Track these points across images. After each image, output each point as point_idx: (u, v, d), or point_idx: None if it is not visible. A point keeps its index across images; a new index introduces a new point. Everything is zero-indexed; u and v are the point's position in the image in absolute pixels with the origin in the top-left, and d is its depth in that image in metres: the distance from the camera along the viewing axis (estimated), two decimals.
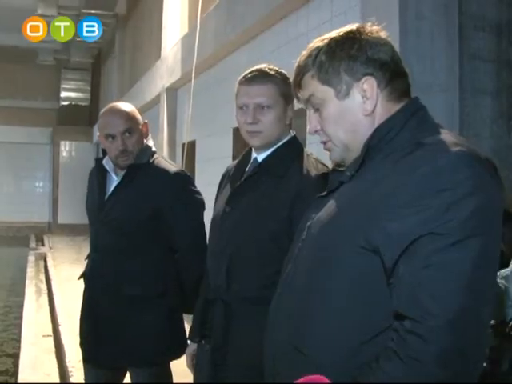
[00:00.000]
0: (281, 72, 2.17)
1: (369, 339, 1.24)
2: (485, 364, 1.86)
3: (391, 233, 1.21)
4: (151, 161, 2.78)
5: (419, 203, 1.19)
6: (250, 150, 2.25)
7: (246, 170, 2.21)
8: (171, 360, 2.83)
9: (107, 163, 2.80)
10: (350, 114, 1.39)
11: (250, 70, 2.16)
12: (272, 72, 2.13)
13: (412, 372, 1.15)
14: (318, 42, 1.43)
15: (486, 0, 3.62)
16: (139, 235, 2.70)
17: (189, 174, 2.89)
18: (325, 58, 1.39)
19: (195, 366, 2.31)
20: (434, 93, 3.34)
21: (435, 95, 3.33)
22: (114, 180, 2.80)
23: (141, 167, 2.73)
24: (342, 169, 1.46)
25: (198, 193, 2.83)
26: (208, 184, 7.94)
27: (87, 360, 2.85)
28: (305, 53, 1.44)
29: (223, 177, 2.39)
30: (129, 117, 2.71)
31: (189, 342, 2.46)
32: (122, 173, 2.76)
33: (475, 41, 3.59)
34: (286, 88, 2.10)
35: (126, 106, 2.78)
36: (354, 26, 1.41)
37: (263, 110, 2.10)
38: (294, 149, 2.17)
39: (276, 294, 1.49)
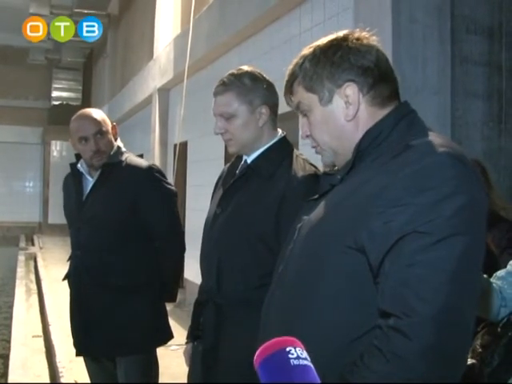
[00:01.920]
0: (243, 76, 2.18)
1: (357, 337, 1.26)
2: (474, 361, 1.88)
3: (376, 232, 1.23)
4: (123, 159, 2.97)
5: (404, 202, 1.21)
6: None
7: (237, 172, 2.23)
8: (157, 347, 2.99)
9: (81, 166, 3.00)
10: (333, 119, 1.43)
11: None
12: (232, 79, 2.16)
13: (395, 369, 1.16)
14: (306, 49, 1.47)
15: (479, 4, 3.64)
16: (119, 229, 2.88)
17: (159, 167, 3.12)
18: (309, 66, 1.43)
19: (189, 367, 2.33)
20: (426, 95, 3.35)
21: (427, 98, 3.34)
22: (89, 181, 2.99)
23: (114, 165, 2.93)
24: (332, 172, 1.49)
25: (170, 184, 3.10)
26: (199, 185, 7.98)
27: (81, 354, 3.01)
28: (294, 60, 1.48)
29: (218, 179, 2.42)
30: (98, 120, 2.93)
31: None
32: (96, 173, 2.96)
33: (467, 44, 3.61)
34: (249, 92, 2.14)
35: (94, 111, 3.02)
36: (341, 33, 1.44)
37: (228, 119, 2.15)
38: (282, 150, 2.19)
39: (268, 294, 1.51)
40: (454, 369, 1.20)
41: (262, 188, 2.11)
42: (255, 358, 1.00)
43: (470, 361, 1.86)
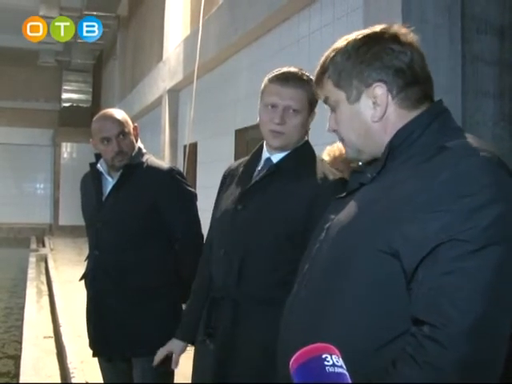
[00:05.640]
0: (311, 79, 2.19)
1: (384, 344, 1.23)
2: None
3: (411, 237, 1.20)
4: (144, 160, 2.98)
5: (439, 208, 1.18)
6: (260, 150, 2.27)
7: (258, 169, 2.23)
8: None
9: (101, 166, 2.99)
10: (360, 119, 1.40)
11: (282, 70, 2.19)
12: (305, 77, 2.16)
13: (429, 378, 1.14)
14: (340, 41, 1.42)
15: (489, 3, 3.61)
16: (139, 230, 2.88)
17: (180, 169, 3.13)
18: (340, 61, 1.40)
19: (196, 367, 2.31)
20: (437, 95, 3.34)
21: (438, 97, 3.33)
22: (108, 182, 2.99)
23: (136, 166, 2.93)
24: (361, 170, 1.46)
25: (190, 186, 3.10)
26: (209, 186, 7.96)
27: (98, 355, 3.03)
28: (326, 52, 1.45)
29: (225, 176, 2.42)
30: (121, 121, 2.92)
31: (177, 341, 2.48)
32: (116, 174, 2.96)
33: (478, 43, 3.59)
34: (313, 96, 2.13)
35: (117, 111, 3.01)
36: (377, 28, 1.40)
37: (291, 113, 2.14)
38: (308, 153, 2.23)
39: (292, 294, 1.48)
40: (487, 379, 1.17)
41: (288, 188, 2.12)
42: (291, 362, 1.01)
43: None
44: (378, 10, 3.55)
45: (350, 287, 1.29)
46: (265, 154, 2.23)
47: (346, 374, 0.99)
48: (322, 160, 2.21)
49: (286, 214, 2.09)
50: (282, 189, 2.12)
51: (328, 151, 2.95)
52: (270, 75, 2.20)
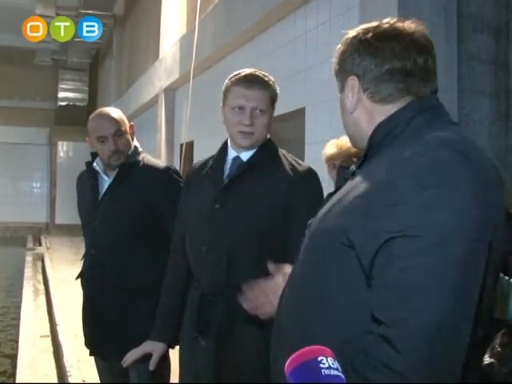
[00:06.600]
0: (271, 79, 2.32)
1: (351, 339, 1.21)
2: (493, 360, 1.86)
3: (367, 230, 1.17)
4: (140, 159, 2.97)
5: (393, 202, 1.15)
6: (225, 149, 2.37)
7: (227, 167, 2.32)
8: (170, 348, 2.91)
9: (97, 165, 2.98)
10: (344, 109, 1.45)
11: (244, 72, 2.30)
12: (266, 78, 2.28)
13: (382, 378, 1.10)
14: (351, 32, 1.45)
15: (485, 2, 3.62)
16: (135, 229, 2.86)
17: (176, 168, 3.11)
18: (337, 52, 1.45)
19: (185, 365, 2.34)
20: None
21: None
22: (105, 180, 2.98)
23: (132, 165, 2.93)
24: (348, 166, 1.49)
25: None
26: None
27: (94, 354, 3.02)
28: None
29: (190, 177, 2.49)
30: (117, 120, 2.91)
31: (154, 342, 2.50)
32: (113, 173, 2.95)
33: (474, 42, 3.60)
34: (275, 95, 2.30)
35: (113, 110, 3.00)
36: (374, 24, 1.41)
37: (258, 113, 2.25)
38: (273, 149, 2.34)
39: (281, 294, 1.50)
40: (446, 382, 1.12)
41: (263, 183, 2.22)
42: (286, 365, 0.99)
43: (488, 360, 1.84)
44: (374, 8, 3.56)
45: (317, 283, 1.30)
46: (231, 153, 2.33)
47: (342, 376, 0.98)
48: (285, 153, 2.33)
49: (265, 207, 2.18)
50: (257, 184, 2.22)
51: (334, 143, 3.01)
52: (232, 78, 2.31)
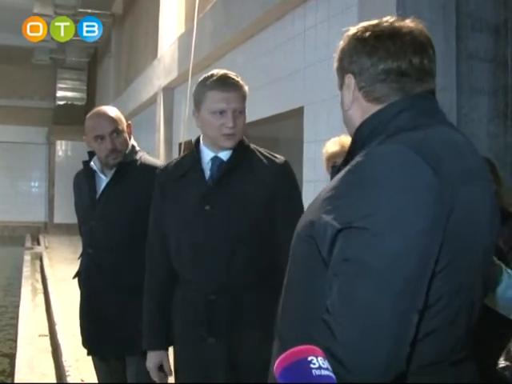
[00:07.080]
0: (241, 79, 2.38)
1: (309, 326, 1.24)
2: (508, 363, 1.83)
3: (321, 222, 1.23)
4: (138, 158, 2.98)
5: (346, 195, 1.21)
6: (198, 150, 2.40)
7: (207, 168, 2.34)
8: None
9: (94, 164, 2.98)
10: (342, 105, 1.46)
11: (216, 75, 2.31)
12: (238, 78, 2.33)
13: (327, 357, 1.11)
14: (356, 28, 1.45)
15: (484, 0, 3.62)
16: (133, 228, 2.85)
17: None
18: (340, 47, 1.45)
19: (192, 363, 2.32)
20: None
21: None
22: (102, 179, 2.98)
23: (129, 164, 2.93)
24: (337, 164, 1.50)
25: None
26: None
27: (92, 353, 3.03)
28: None
29: (162, 180, 2.47)
30: (115, 119, 2.91)
31: (156, 352, 2.48)
32: (110, 172, 2.95)
33: (472, 41, 3.60)
34: (246, 93, 2.35)
35: (110, 109, 3.00)
36: (373, 22, 1.41)
37: (238, 114, 2.30)
38: (248, 145, 2.40)
39: None
40: (372, 373, 1.11)
41: (248, 180, 2.29)
42: (275, 365, 0.98)
43: (504, 363, 1.80)
44: (373, 7, 3.56)
45: (290, 274, 1.38)
46: (207, 154, 2.37)
47: (333, 376, 0.97)
48: (257, 148, 2.40)
49: (254, 203, 2.25)
50: (242, 182, 2.27)
51: (337, 141, 3.01)
52: (206, 82, 2.31)
